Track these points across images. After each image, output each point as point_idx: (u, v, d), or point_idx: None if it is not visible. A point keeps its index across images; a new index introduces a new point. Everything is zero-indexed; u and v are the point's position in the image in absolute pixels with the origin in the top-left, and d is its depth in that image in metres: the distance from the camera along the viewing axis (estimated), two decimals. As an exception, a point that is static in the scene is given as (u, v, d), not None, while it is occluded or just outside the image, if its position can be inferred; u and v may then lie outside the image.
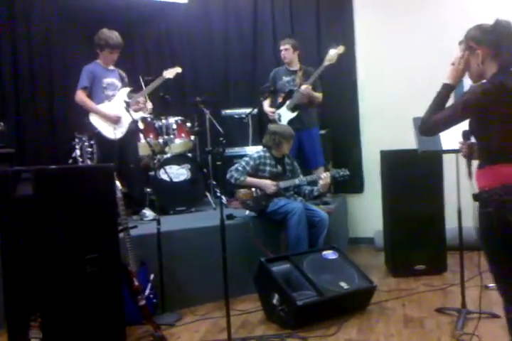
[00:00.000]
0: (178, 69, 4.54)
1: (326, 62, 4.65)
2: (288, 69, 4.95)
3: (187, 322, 3.36)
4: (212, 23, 5.95)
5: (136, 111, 4.26)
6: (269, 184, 3.95)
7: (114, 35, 4.23)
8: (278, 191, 3.97)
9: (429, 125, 2.11)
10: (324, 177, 3.92)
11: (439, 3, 5.34)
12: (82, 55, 5.26)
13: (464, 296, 3.16)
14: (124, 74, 4.46)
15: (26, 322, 2.52)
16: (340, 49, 4.66)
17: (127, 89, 4.39)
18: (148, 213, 4.33)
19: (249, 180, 3.97)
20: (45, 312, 2.53)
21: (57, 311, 2.56)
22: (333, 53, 4.63)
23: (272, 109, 4.90)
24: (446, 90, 2.13)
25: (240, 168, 3.99)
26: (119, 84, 4.37)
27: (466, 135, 2.17)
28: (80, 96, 4.21)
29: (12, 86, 5.20)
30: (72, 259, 2.64)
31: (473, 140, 2.16)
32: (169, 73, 4.48)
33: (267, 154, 4.07)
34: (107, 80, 4.30)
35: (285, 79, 4.91)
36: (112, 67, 4.39)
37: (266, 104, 5.00)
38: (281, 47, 4.89)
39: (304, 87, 4.68)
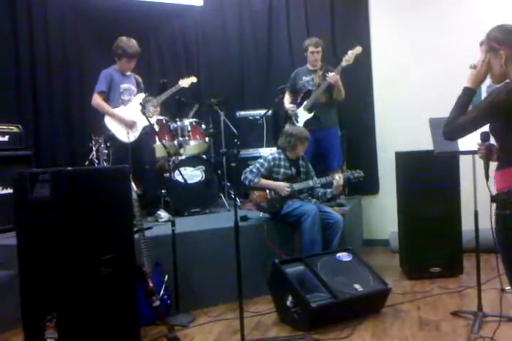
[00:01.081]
0: (194, 79, 4.60)
1: (344, 63, 4.60)
2: (309, 69, 4.88)
3: (200, 323, 3.37)
4: (228, 26, 5.99)
5: (149, 116, 4.28)
6: (282, 186, 3.95)
7: (131, 44, 4.25)
8: (292, 193, 3.96)
9: (454, 129, 2.08)
10: (337, 179, 3.91)
11: (455, 3, 5.29)
12: (98, 59, 5.34)
13: (480, 299, 3.12)
14: (140, 80, 4.49)
15: (42, 322, 2.56)
16: (358, 49, 4.61)
17: (143, 95, 4.42)
18: (163, 214, 4.35)
19: (263, 181, 3.97)
20: (61, 313, 2.57)
21: (72, 311, 2.59)
22: (350, 54, 4.60)
23: (292, 105, 4.84)
24: (467, 94, 2.09)
25: (254, 170, 3.99)
26: (135, 89, 4.41)
27: (484, 136, 2.15)
28: (97, 99, 4.25)
29: (29, 89, 5.28)
30: (88, 260, 2.67)
31: (492, 141, 2.13)
32: (185, 82, 4.55)
33: (282, 156, 4.07)
34: (124, 85, 4.35)
35: (305, 78, 4.85)
36: (128, 73, 4.43)
37: (287, 101, 4.94)
38: (314, 50, 4.75)
39: (332, 74, 4.57)
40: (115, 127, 4.24)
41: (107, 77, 4.28)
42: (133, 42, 4.28)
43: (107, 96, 4.28)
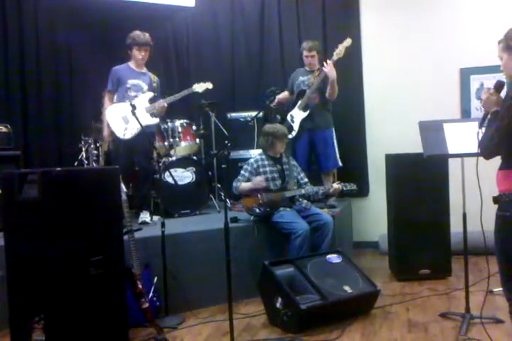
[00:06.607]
0: (209, 86, 4.46)
1: (335, 57, 4.57)
2: (306, 70, 4.88)
3: (190, 325, 3.36)
4: (219, 27, 5.97)
5: (155, 115, 4.31)
6: (257, 180, 3.96)
7: (141, 34, 4.30)
8: (283, 201, 3.96)
9: (489, 143, 2.06)
10: (334, 187, 3.96)
11: (445, 5, 5.33)
12: (88, 59, 5.30)
13: (468, 301, 3.14)
14: (154, 79, 4.44)
15: (29, 324, 2.54)
16: (348, 42, 4.59)
17: (150, 94, 4.34)
18: (143, 216, 4.31)
19: (243, 185, 4.01)
20: (49, 314, 2.55)
21: (60, 313, 2.57)
22: (341, 47, 4.57)
23: (286, 93, 4.92)
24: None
25: (239, 177, 4.07)
26: (145, 86, 4.36)
27: (497, 85, 2.17)
28: (104, 98, 4.42)
29: (18, 88, 5.24)
30: (77, 261, 2.65)
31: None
32: (199, 87, 4.43)
33: (263, 156, 4.13)
34: (132, 81, 4.33)
35: (301, 79, 4.85)
36: (144, 70, 4.42)
37: (282, 95, 4.99)
38: (308, 54, 4.75)
39: (328, 68, 4.49)
40: (114, 122, 4.25)
41: (112, 75, 4.36)
42: (143, 33, 4.32)
43: (115, 93, 4.37)
